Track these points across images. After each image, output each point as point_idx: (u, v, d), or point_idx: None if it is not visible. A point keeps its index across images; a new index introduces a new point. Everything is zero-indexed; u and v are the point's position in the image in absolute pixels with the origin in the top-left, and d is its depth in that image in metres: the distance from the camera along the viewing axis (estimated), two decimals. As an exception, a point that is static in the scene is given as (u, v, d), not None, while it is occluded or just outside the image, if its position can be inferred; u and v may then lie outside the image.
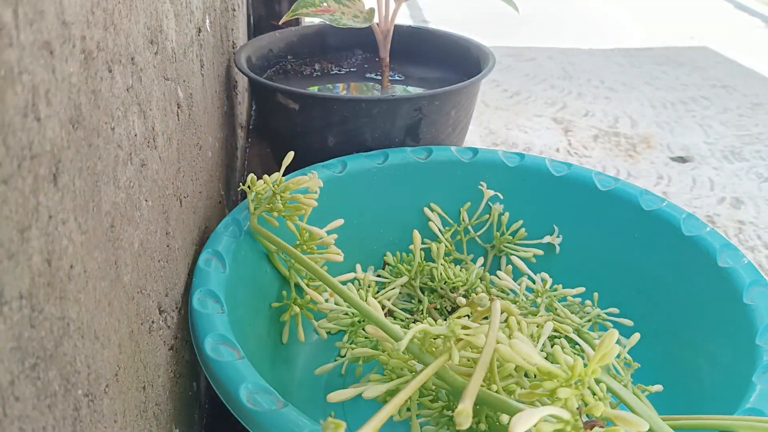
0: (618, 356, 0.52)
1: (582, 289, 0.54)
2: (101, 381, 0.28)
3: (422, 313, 0.58)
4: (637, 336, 0.48)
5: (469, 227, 0.62)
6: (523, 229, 0.61)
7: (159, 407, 0.38)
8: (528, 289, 0.56)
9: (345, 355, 0.52)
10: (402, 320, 0.57)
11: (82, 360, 0.26)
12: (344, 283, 0.55)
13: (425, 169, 0.62)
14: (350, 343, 0.52)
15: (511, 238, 0.62)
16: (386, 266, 0.63)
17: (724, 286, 0.48)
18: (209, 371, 0.39)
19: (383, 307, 0.56)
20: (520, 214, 0.62)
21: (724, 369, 0.46)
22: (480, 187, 0.61)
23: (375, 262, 0.62)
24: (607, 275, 0.58)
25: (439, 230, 0.62)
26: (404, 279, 0.59)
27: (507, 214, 0.62)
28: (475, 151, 0.62)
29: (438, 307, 0.59)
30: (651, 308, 0.55)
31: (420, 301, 0.58)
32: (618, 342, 0.54)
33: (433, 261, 0.59)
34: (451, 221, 0.63)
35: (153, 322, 0.38)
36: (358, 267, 0.58)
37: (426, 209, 0.62)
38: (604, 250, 0.58)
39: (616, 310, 0.55)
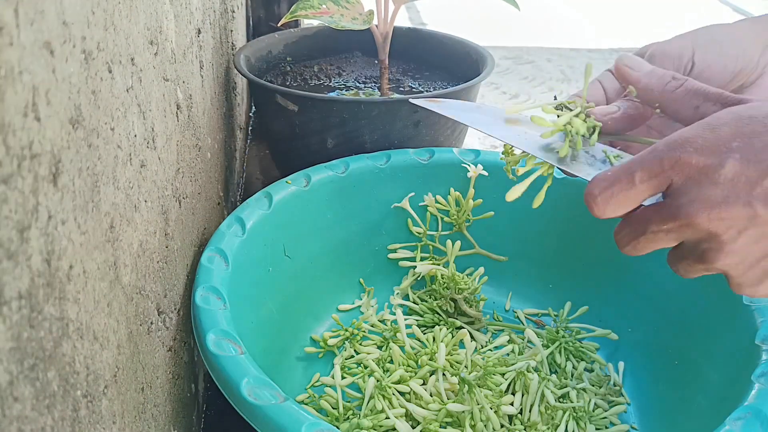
0: (613, 385, 0.53)
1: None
2: (100, 382, 0.28)
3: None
4: (622, 364, 0.53)
5: (470, 215, 0.62)
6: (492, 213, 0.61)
7: (157, 408, 0.38)
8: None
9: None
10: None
11: (81, 361, 0.26)
12: (347, 311, 0.60)
13: (427, 171, 0.62)
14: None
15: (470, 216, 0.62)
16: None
17: (724, 287, 0.48)
18: (211, 366, 0.39)
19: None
20: (524, 217, 0.61)
21: (723, 368, 0.46)
22: (465, 164, 0.61)
23: (377, 261, 0.63)
24: (611, 277, 0.58)
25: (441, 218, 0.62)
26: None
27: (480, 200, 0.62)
28: (477, 153, 0.62)
29: (441, 308, 0.59)
30: (652, 309, 0.55)
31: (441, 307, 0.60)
32: (606, 370, 0.54)
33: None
34: (449, 206, 0.63)
35: (152, 323, 0.38)
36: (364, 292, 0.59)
37: (426, 197, 0.62)
38: (608, 253, 0.58)
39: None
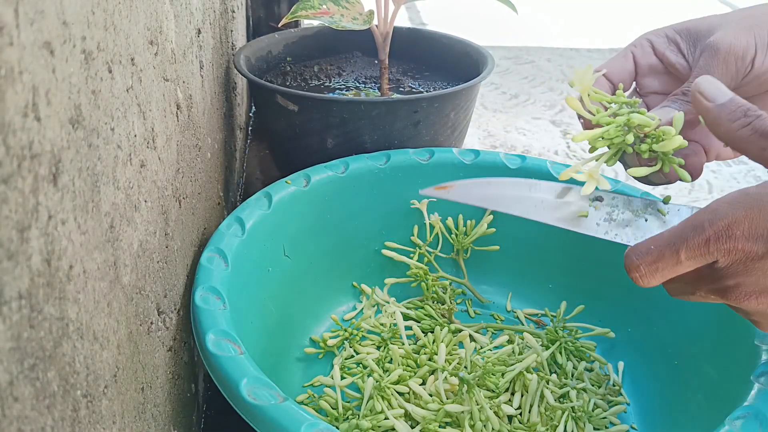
0: (612, 384, 0.53)
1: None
2: (100, 382, 0.28)
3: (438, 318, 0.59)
4: (621, 364, 0.53)
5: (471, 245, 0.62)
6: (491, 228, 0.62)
7: (157, 408, 0.38)
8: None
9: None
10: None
11: (81, 361, 0.26)
12: (344, 316, 0.60)
13: (427, 171, 0.62)
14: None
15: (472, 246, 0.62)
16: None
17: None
18: (211, 366, 0.39)
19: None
20: (518, 218, 0.61)
21: (723, 368, 0.46)
22: (413, 205, 0.61)
23: (376, 262, 0.62)
24: (611, 276, 0.58)
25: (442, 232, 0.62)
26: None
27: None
28: (476, 153, 0.63)
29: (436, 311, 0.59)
30: (652, 309, 0.55)
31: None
32: (606, 369, 0.54)
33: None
34: (450, 232, 0.63)
35: (152, 323, 0.38)
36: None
37: (432, 216, 0.62)
38: (608, 253, 0.58)
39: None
